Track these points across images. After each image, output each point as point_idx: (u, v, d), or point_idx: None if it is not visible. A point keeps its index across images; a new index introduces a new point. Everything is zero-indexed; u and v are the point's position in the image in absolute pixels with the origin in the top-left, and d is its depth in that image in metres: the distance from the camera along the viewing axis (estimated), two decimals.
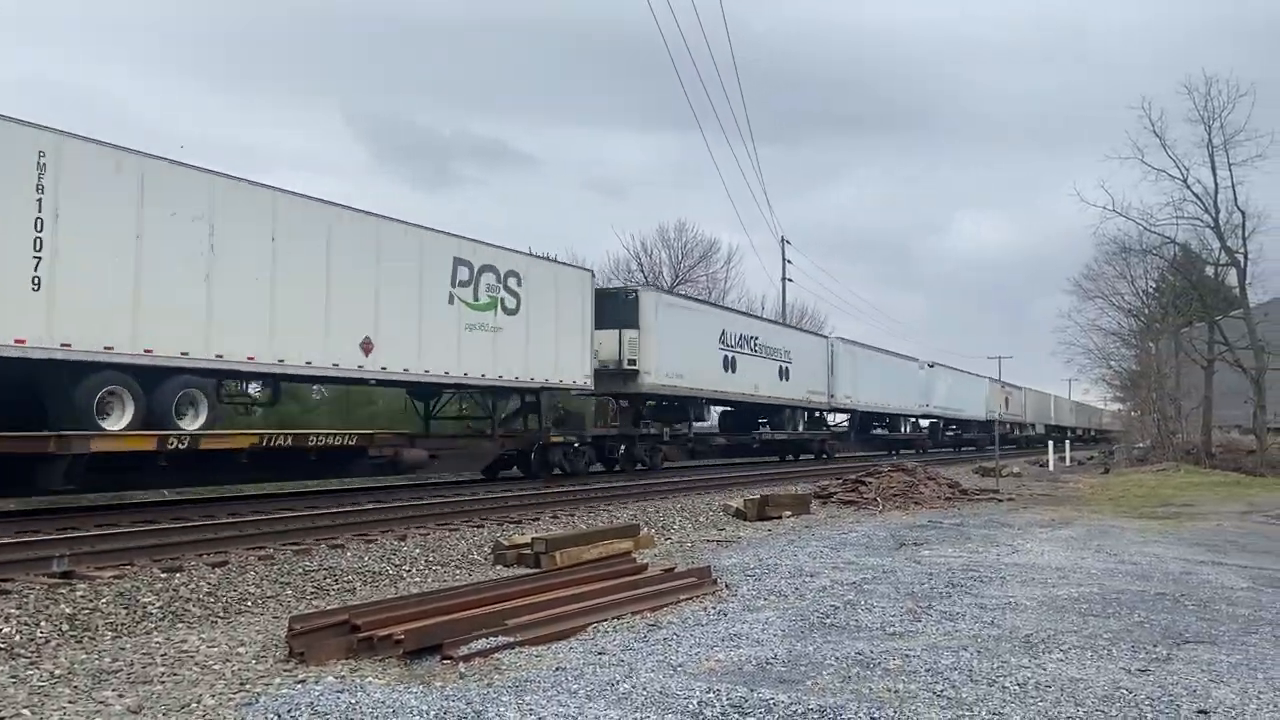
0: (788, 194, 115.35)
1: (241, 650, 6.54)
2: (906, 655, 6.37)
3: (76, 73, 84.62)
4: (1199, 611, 8.16)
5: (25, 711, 5.14)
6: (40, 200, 11.86)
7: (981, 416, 54.01)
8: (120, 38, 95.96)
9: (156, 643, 6.75)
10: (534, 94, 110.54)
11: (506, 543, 11.21)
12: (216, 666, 6.13)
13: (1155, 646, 6.80)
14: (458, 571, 10.42)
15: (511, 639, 6.57)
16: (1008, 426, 60.12)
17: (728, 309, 34.02)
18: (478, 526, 12.91)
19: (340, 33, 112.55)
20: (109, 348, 12.61)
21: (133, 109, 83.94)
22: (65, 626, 7.04)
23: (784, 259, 51.08)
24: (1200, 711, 5.22)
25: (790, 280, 51.64)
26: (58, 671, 5.94)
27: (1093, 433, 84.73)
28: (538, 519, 14.09)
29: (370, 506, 14.57)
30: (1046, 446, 42.23)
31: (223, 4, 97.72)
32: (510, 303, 19.70)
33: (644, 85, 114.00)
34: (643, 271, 51.92)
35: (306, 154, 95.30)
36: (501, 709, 5.01)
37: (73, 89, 75.81)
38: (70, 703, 5.32)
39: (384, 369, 16.80)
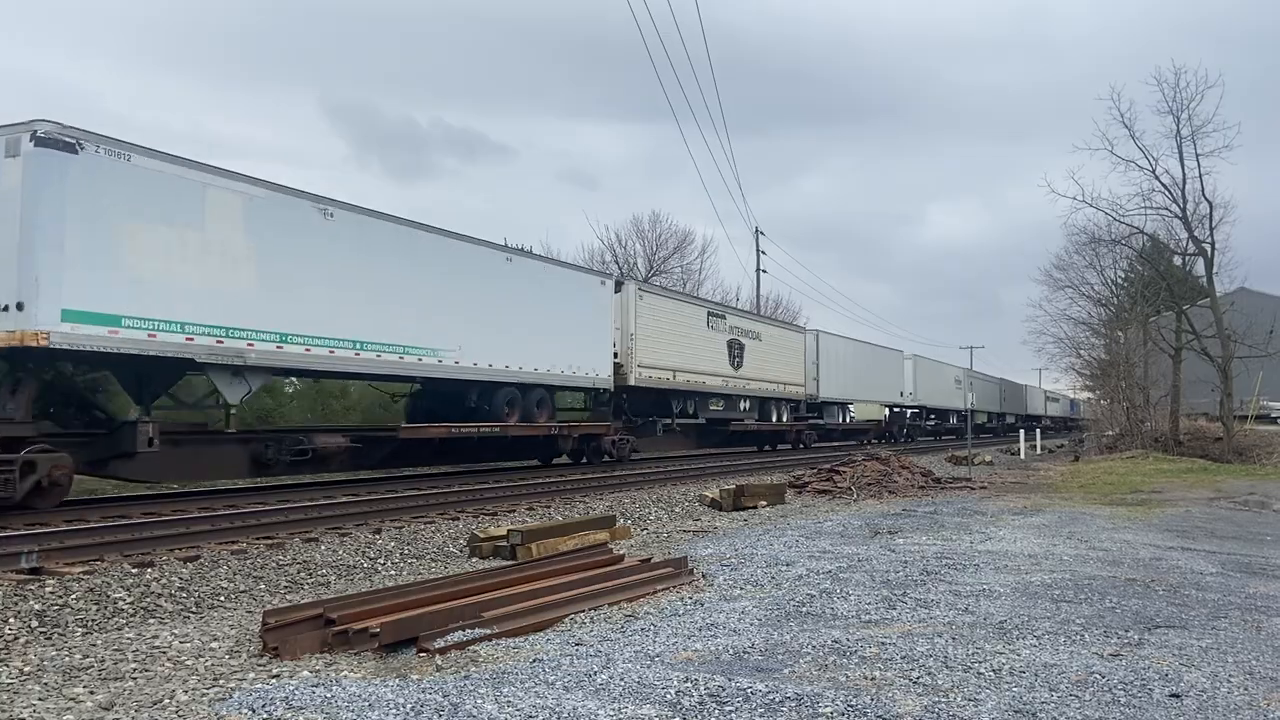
0: (763, 186, 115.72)
1: (215, 645, 6.47)
2: (882, 643, 6.40)
3: (75, 71, 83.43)
4: (1169, 596, 8.27)
5: None
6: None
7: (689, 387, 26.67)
8: (120, 37, 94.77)
9: (128, 638, 6.67)
10: (512, 86, 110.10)
11: (482, 535, 11.18)
12: (189, 662, 6.07)
13: (1127, 631, 6.88)
14: (433, 564, 10.38)
15: (488, 631, 6.55)
16: (752, 406, 30.98)
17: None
18: (453, 519, 12.85)
19: (323, 29, 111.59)
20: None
21: (128, 106, 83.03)
22: (34, 623, 6.94)
23: (758, 249, 51.17)
24: (1172, 695, 5.28)
25: (764, 271, 51.59)
26: (27, 669, 5.86)
27: (1010, 420, 54.62)
28: (513, 510, 14.05)
29: (344, 499, 14.47)
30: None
31: (220, 4, 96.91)
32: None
33: (621, 78, 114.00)
34: (617, 262, 51.84)
35: (286, 148, 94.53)
36: (479, 701, 4.98)
37: (69, 88, 74.76)
38: (40, 700, 5.24)
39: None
